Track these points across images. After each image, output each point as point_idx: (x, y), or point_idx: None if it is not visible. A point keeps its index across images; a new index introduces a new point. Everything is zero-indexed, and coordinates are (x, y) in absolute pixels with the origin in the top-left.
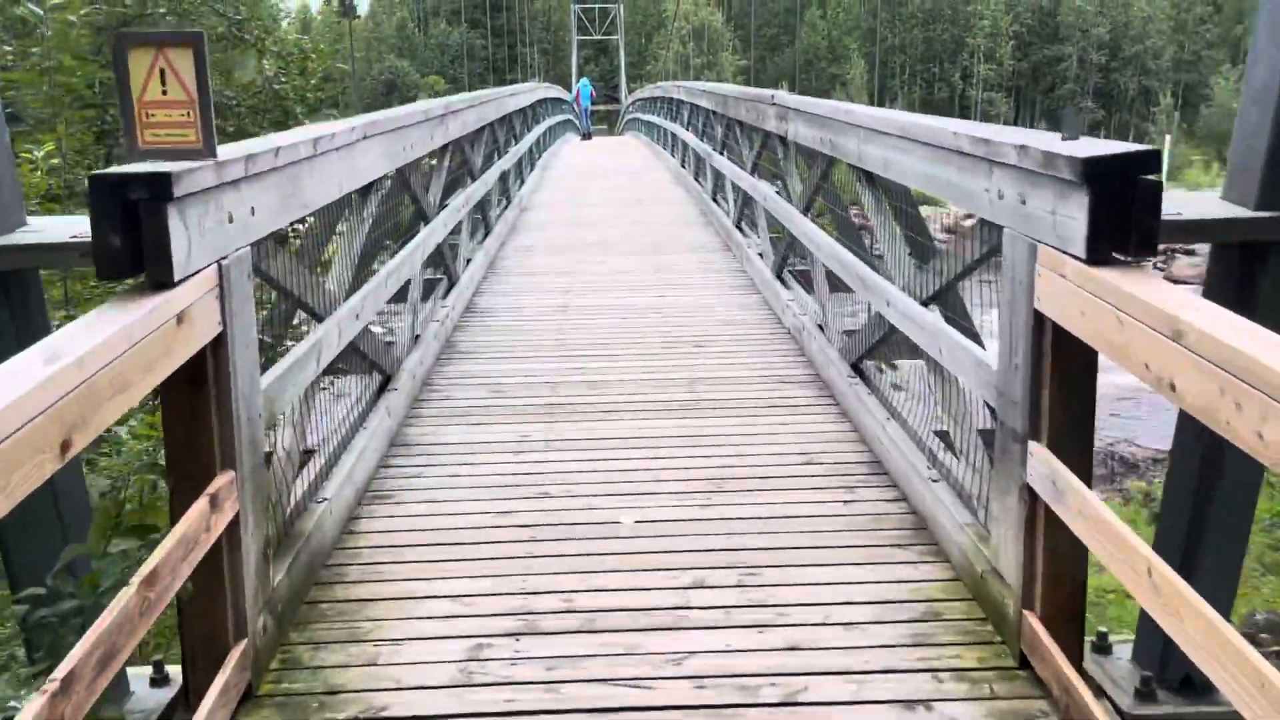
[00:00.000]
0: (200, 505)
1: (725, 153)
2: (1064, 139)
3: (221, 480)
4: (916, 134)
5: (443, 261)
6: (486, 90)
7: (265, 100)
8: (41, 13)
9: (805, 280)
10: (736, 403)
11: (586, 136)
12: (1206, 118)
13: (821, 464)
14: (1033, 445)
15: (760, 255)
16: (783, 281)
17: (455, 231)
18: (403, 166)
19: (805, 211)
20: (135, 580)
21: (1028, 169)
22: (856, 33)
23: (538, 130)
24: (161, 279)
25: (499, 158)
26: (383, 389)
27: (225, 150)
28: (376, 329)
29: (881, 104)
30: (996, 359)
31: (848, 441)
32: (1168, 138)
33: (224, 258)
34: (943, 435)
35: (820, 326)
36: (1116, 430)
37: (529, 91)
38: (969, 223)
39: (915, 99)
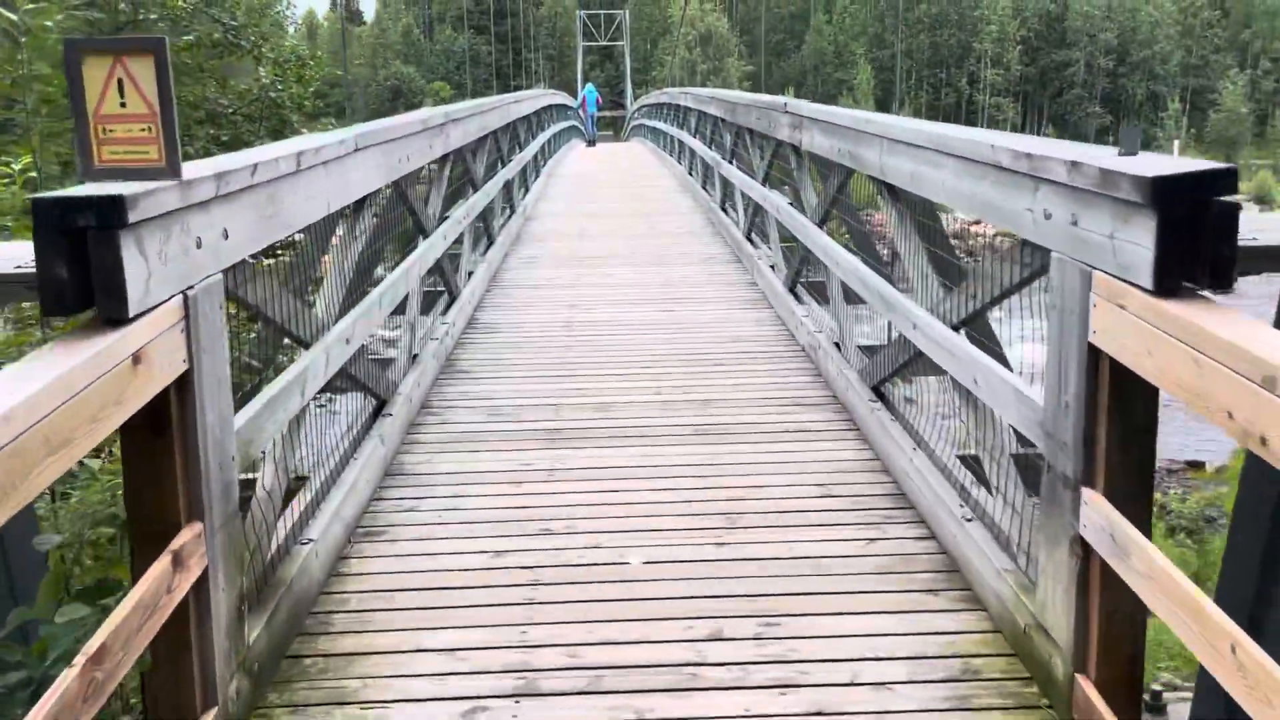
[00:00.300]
0: (161, 565)
1: (734, 161)
2: (1120, 154)
3: (188, 535)
4: (949, 146)
5: (443, 276)
6: (490, 98)
7: (262, 108)
8: (15, 18)
9: (819, 292)
10: (749, 428)
11: (592, 143)
12: (1215, 123)
13: (842, 497)
14: (1087, 493)
15: (772, 268)
16: (796, 296)
17: (457, 242)
18: (400, 179)
19: (821, 224)
20: (79, 659)
21: (1081, 188)
22: (863, 38)
23: (542, 137)
24: (114, 314)
25: (502, 166)
26: (377, 413)
27: (193, 168)
28: (380, 336)
29: (887, 110)
30: (1043, 395)
31: (869, 472)
32: (1176, 143)
33: (190, 287)
34: (969, 461)
35: (836, 345)
36: None
37: (533, 99)
38: (983, 230)
39: (922, 104)
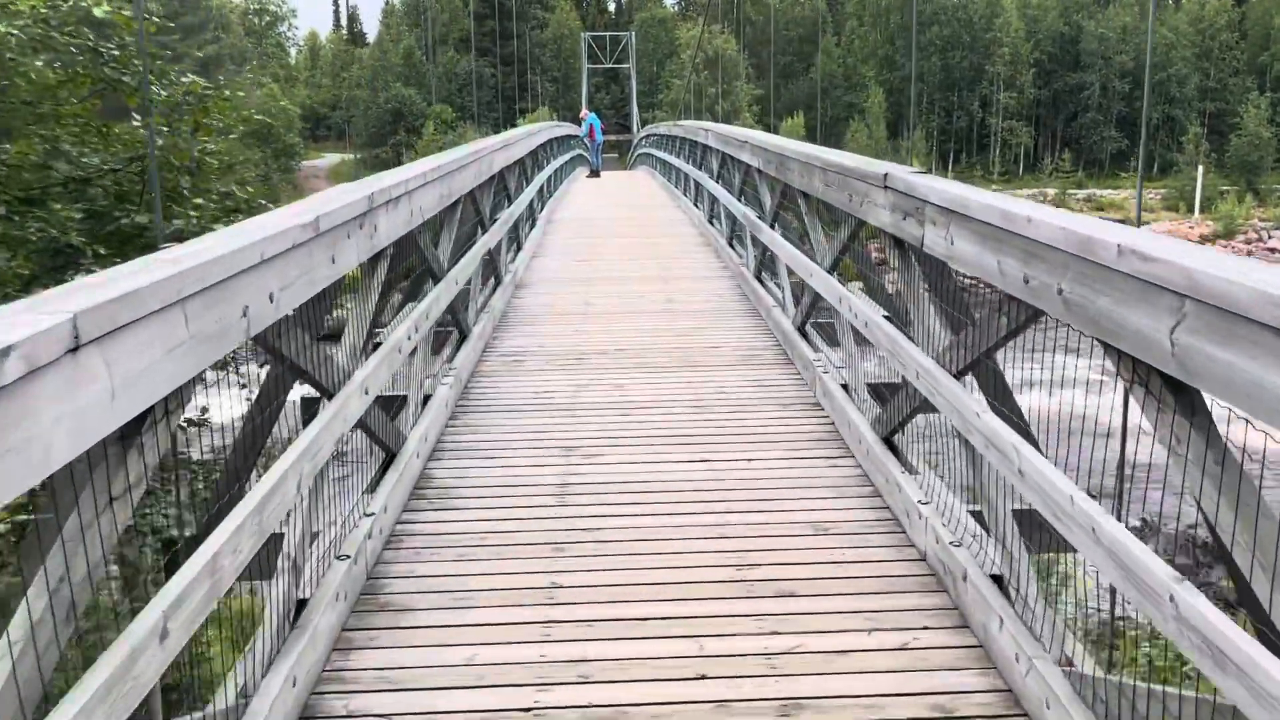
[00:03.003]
0: None
1: (777, 225)
2: None
3: None
4: None
5: (373, 437)
6: (462, 149)
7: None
8: None
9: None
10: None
11: (595, 174)
12: (1236, 147)
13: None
14: None
15: (844, 387)
16: (898, 453)
17: (408, 359)
18: (264, 331)
19: (960, 374)
20: None
21: None
22: (873, 60)
23: (540, 179)
24: None
25: (484, 231)
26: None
27: None
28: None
29: (899, 134)
30: None
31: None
32: (1199, 169)
33: None
34: None
35: (994, 579)
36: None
37: (526, 138)
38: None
39: (934, 128)
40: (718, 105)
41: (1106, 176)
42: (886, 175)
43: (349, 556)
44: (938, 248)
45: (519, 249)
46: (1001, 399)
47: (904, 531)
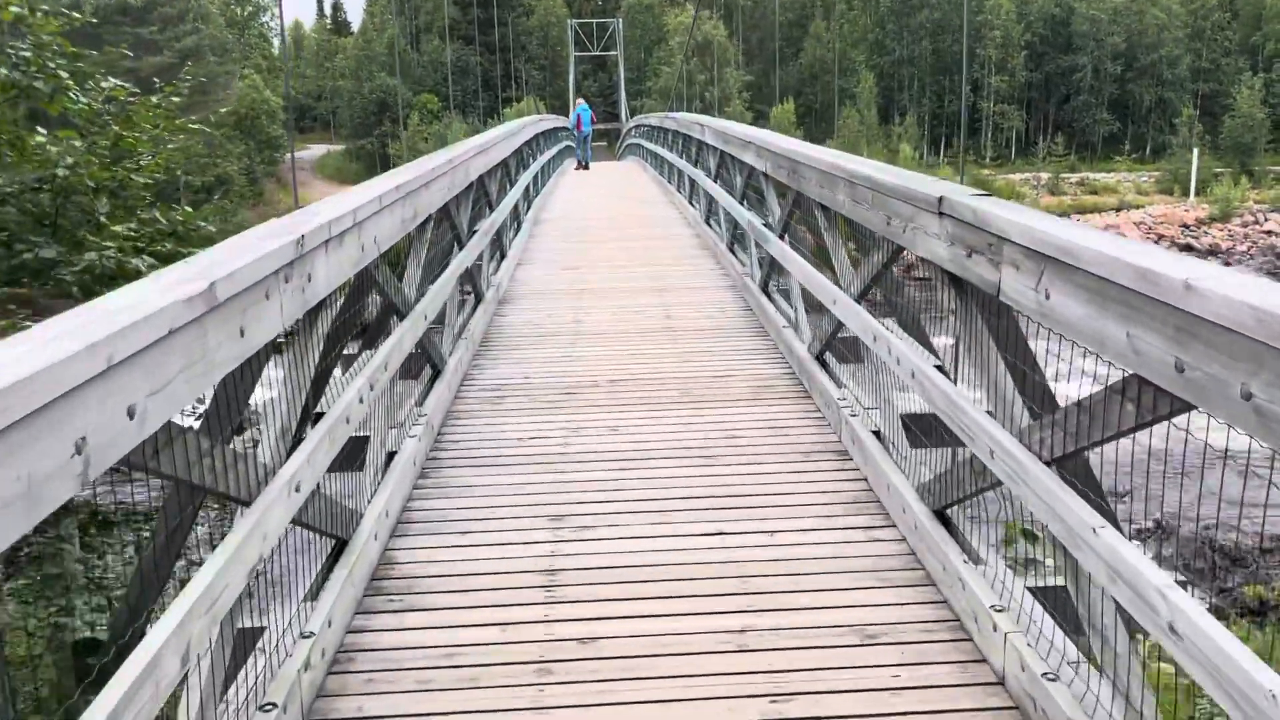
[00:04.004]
0: None
1: (787, 238)
2: None
3: None
4: None
5: (319, 529)
6: (435, 157)
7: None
8: None
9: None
10: None
11: (584, 166)
12: (1230, 128)
13: None
14: None
15: (876, 434)
16: (955, 532)
17: (367, 415)
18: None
19: (1052, 462)
20: None
21: None
22: (863, 45)
23: (524, 180)
24: None
25: (460, 248)
26: None
27: None
28: None
29: (890, 119)
30: None
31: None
32: (1195, 152)
33: None
34: None
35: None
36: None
37: (509, 137)
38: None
39: (925, 113)
40: (708, 92)
41: (1099, 160)
42: (942, 199)
43: (274, 706)
44: (1023, 300)
45: (502, 258)
46: (1092, 492)
47: (971, 640)
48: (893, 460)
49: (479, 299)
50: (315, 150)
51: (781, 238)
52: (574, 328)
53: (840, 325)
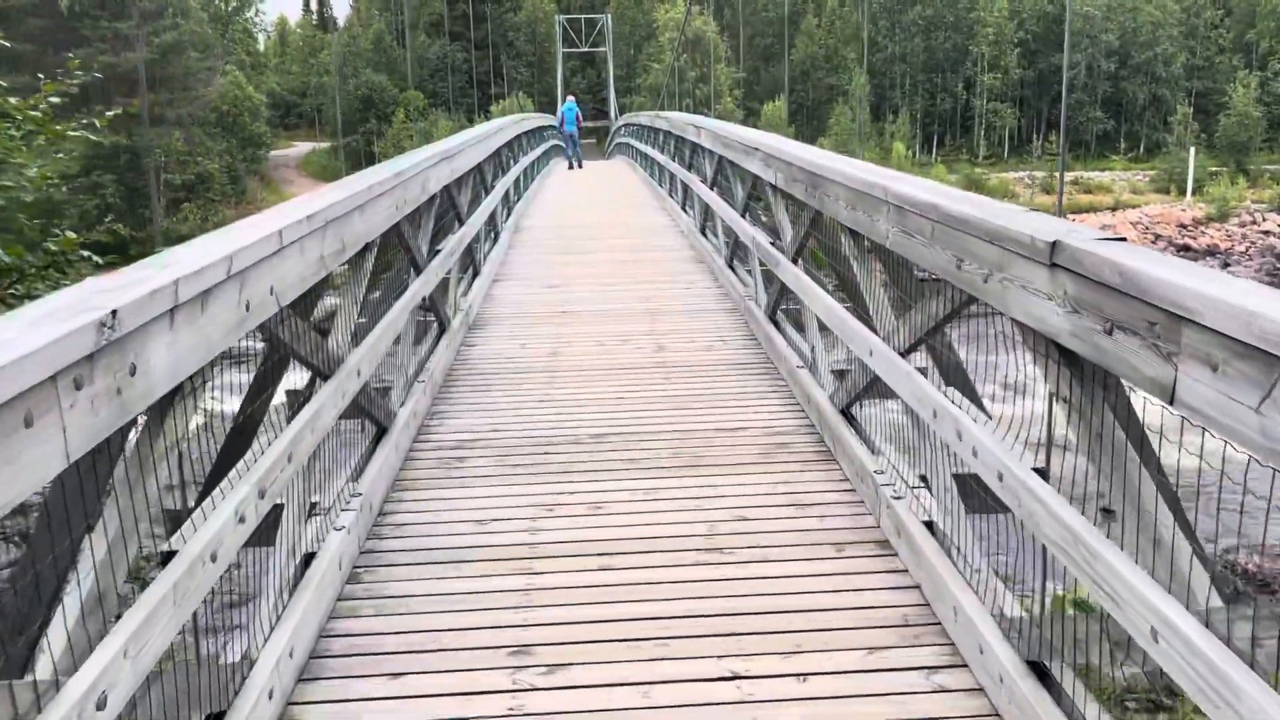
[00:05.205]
0: None
1: (800, 262)
2: None
3: None
4: None
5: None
6: (381, 168)
7: None
8: None
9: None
10: None
11: (577, 165)
12: (1225, 127)
13: None
14: None
15: (930, 527)
16: (1060, 697)
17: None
18: None
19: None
20: None
21: None
22: (855, 42)
23: (503, 185)
24: None
25: (418, 273)
26: None
27: None
28: None
29: (882, 116)
30: None
31: None
32: (1191, 151)
33: None
34: None
35: None
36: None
37: (478, 143)
38: None
39: (917, 110)
40: (698, 89)
41: (1093, 158)
42: (1058, 246)
43: None
44: (1223, 418)
45: (476, 275)
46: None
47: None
48: (956, 567)
49: (443, 329)
50: (301, 147)
51: (794, 261)
52: (552, 362)
53: (876, 379)
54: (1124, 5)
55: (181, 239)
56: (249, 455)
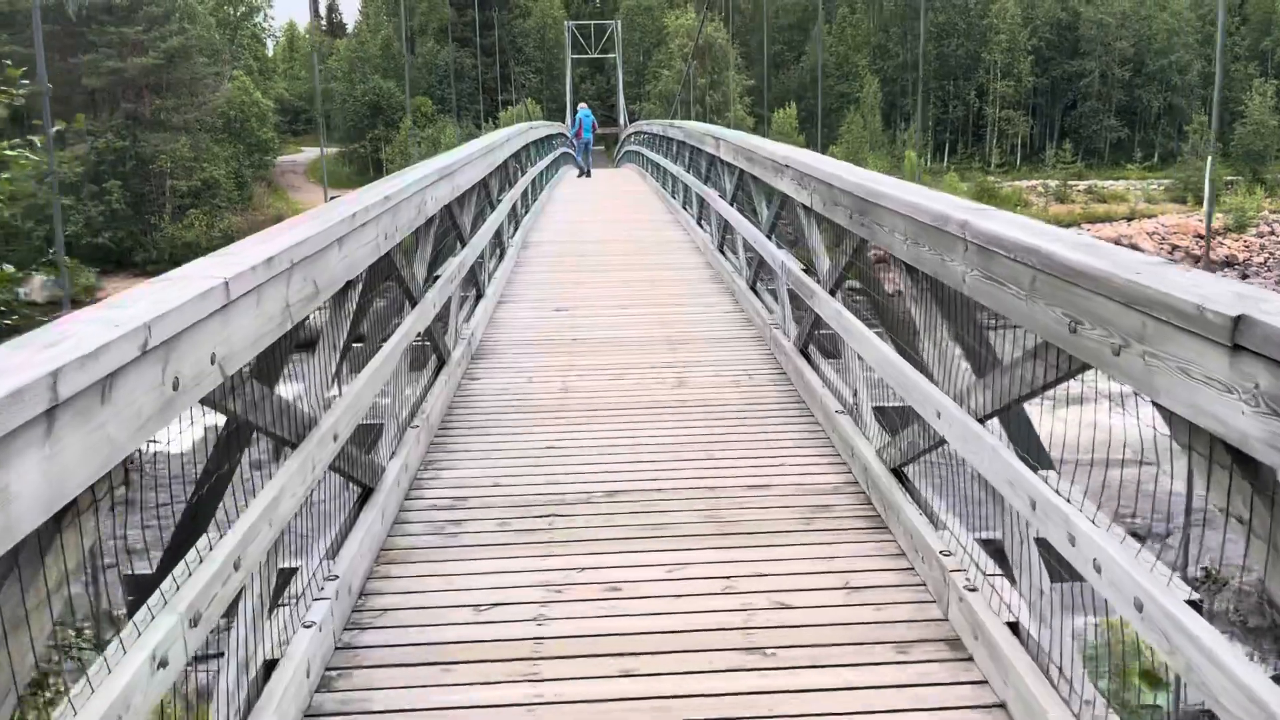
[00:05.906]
0: None
1: (838, 293)
2: None
3: None
4: None
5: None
6: (372, 190)
7: None
8: None
9: None
10: None
11: (586, 174)
12: (1241, 135)
13: None
14: None
15: (1014, 629)
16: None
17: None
18: None
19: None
20: None
21: None
22: (866, 49)
23: (510, 198)
24: None
25: (413, 305)
26: None
27: None
28: None
29: (893, 123)
30: None
31: None
32: (1209, 160)
33: None
34: None
35: None
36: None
37: (484, 155)
38: None
39: (930, 118)
40: (709, 96)
41: (1107, 167)
42: (1242, 321)
43: None
44: None
45: (479, 297)
46: None
47: None
48: (1054, 686)
49: (442, 362)
50: (309, 153)
51: (832, 293)
52: (562, 400)
53: (941, 441)
54: (1138, 12)
55: (187, 246)
56: (180, 568)
